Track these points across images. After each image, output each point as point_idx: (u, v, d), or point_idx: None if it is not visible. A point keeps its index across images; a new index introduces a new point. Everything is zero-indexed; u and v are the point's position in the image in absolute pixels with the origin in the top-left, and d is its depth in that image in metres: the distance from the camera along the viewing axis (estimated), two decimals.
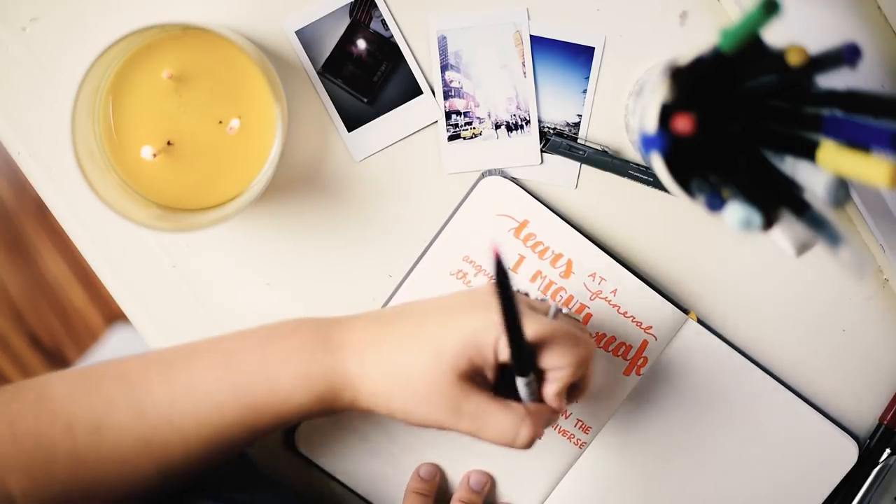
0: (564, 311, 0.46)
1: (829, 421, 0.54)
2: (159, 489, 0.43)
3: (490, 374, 0.41)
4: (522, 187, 0.51)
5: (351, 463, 0.53)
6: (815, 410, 0.54)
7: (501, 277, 0.35)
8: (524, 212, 0.51)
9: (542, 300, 0.49)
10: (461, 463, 0.54)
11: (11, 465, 0.40)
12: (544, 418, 0.42)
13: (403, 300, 0.51)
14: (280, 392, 0.42)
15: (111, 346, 1.06)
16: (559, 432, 0.53)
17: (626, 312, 0.52)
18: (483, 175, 0.51)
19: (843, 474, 0.54)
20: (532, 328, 0.40)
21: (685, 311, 0.53)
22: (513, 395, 0.42)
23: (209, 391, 0.41)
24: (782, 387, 0.54)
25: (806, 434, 0.54)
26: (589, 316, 0.52)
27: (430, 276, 0.52)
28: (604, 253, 0.51)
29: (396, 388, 0.40)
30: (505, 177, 0.51)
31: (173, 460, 0.42)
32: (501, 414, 0.41)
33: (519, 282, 0.51)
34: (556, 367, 0.41)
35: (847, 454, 0.54)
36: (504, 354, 0.40)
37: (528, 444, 0.41)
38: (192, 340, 0.45)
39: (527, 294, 0.51)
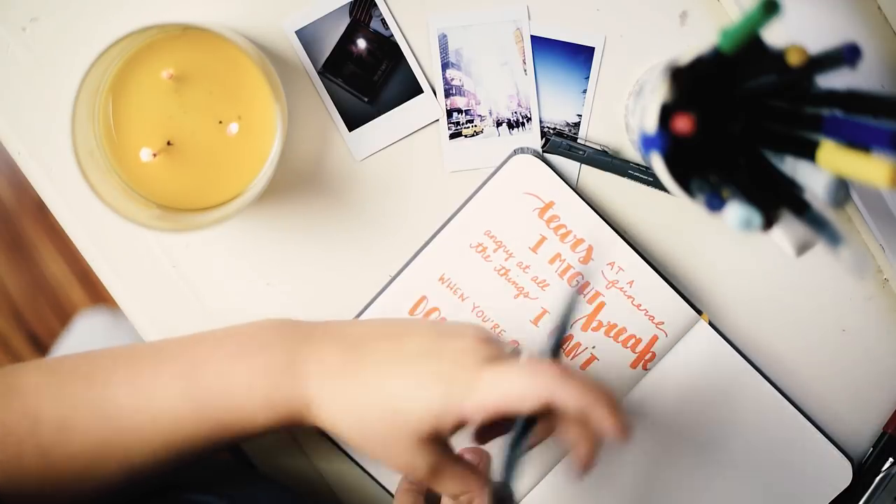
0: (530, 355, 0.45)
1: (828, 441, 0.54)
2: (127, 487, 0.44)
3: (457, 430, 0.42)
4: (553, 168, 0.51)
5: None
6: (815, 428, 0.54)
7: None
8: (551, 193, 0.51)
9: (514, 350, 0.49)
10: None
11: None
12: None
13: (421, 268, 0.51)
14: (242, 413, 0.43)
15: (76, 336, 1.03)
16: None
17: (639, 305, 0.52)
18: (515, 152, 0.51)
19: (836, 495, 0.55)
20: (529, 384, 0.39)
21: (699, 312, 0.53)
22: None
23: (172, 403, 0.42)
24: (786, 400, 0.54)
25: (804, 451, 0.54)
26: (602, 304, 0.52)
27: (451, 246, 0.51)
28: (626, 244, 0.51)
29: (353, 428, 0.42)
30: (536, 156, 0.51)
31: (136, 463, 0.43)
32: (457, 472, 0.42)
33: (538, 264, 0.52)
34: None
35: (843, 475, 0.54)
36: (476, 417, 0.40)
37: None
38: (165, 338, 0.46)
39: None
